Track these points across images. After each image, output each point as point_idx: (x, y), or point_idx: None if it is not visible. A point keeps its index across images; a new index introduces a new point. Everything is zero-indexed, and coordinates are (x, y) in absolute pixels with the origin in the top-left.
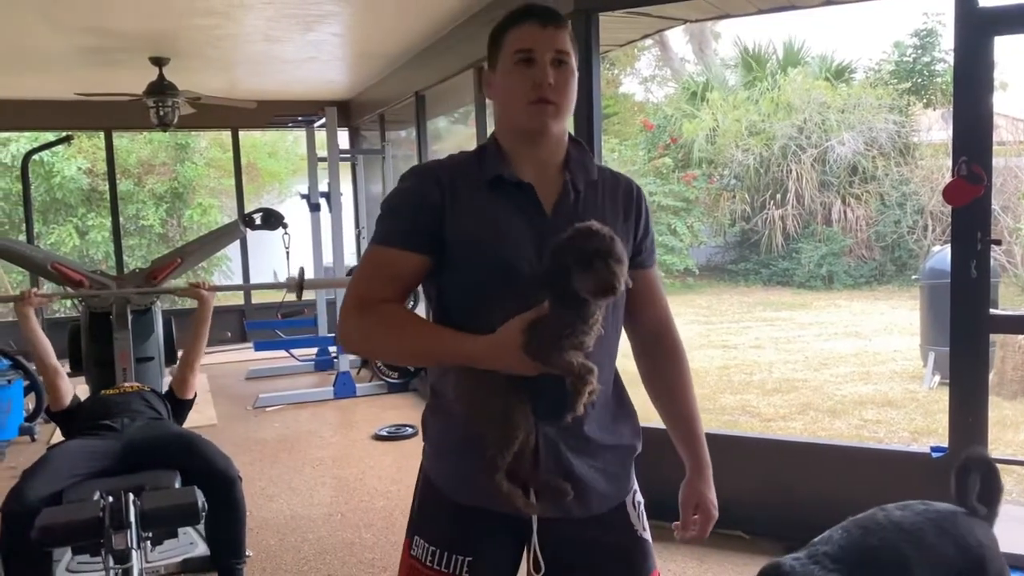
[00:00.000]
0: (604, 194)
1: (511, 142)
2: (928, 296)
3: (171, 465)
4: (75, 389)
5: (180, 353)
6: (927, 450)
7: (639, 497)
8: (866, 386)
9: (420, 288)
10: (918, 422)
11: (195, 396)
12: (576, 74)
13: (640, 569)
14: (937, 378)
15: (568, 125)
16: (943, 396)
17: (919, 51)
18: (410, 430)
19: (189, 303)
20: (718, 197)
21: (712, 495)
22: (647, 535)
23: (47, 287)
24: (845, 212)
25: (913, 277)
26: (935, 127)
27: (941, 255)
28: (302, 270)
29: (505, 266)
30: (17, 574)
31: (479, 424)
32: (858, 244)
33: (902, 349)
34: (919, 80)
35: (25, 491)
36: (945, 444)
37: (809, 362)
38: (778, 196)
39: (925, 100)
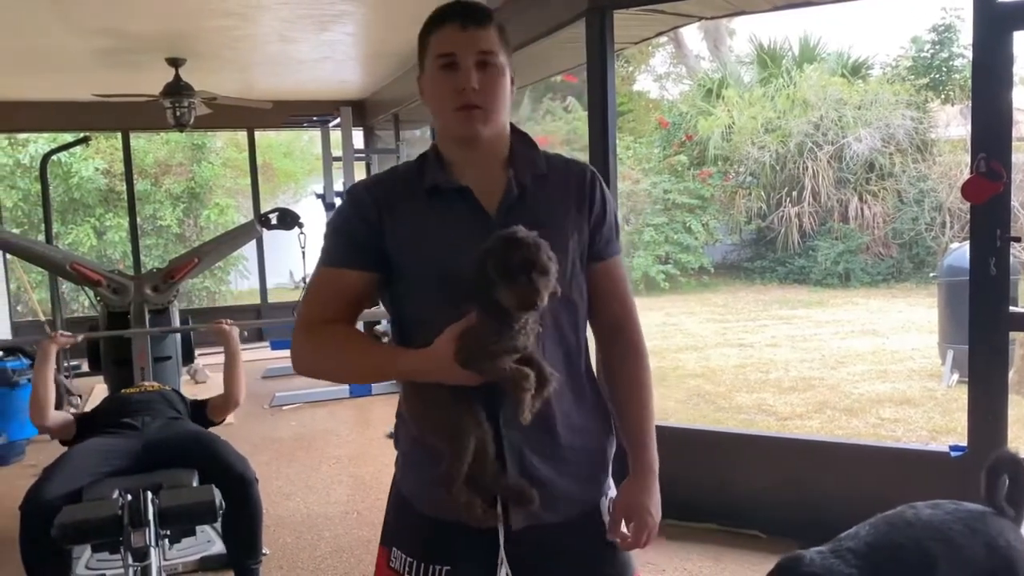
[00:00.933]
0: (554, 186)
1: (449, 147)
2: (946, 294)
3: (189, 465)
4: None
5: (217, 397)
6: (946, 449)
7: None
8: (883, 384)
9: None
10: (936, 421)
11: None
12: (507, 71)
13: (617, 575)
14: (956, 376)
15: (506, 120)
16: (962, 395)
17: (937, 47)
18: None
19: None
20: (734, 194)
21: (649, 503)
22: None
23: (72, 335)
24: (862, 209)
25: (931, 275)
26: (953, 123)
27: (959, 252)
28: None
29: (446, 275)
30: (37, 571)
31: (430, 437)
32: (875, 241)
33: (920, 347)
34: (937, 76)
35: (44, 489)
36: (964, 443)
37: (826, 360)
38: (794, 193)
39: (943, 96)
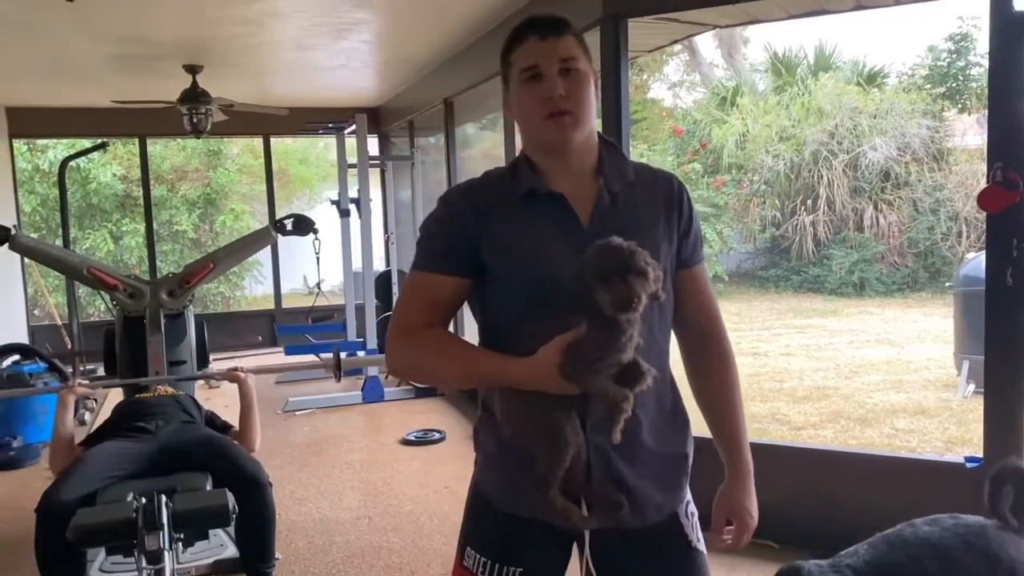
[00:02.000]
0: (643, 194)
1: (540, 155)
2: (962, 304)
3: (202, 468)
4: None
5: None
6: (961, 460)
7: (692, 507)
8: (898, 394)
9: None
10: (952, 431)
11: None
12: (590, 76)
13: None
14: (971, 387)
15: (593, 127)
16: (977, 405)
17: (954, 55)
18: (437, 435)
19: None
20: (748, 203)
21: (749, 504)
22: (702, 546)
23: (87, 381)
24: (877, 218)
25: (947, 284)
26: (970, 132)
27: (975, 262)
28: (337, 349)
29: (544, 281)
30: (52, 573)
31: (528, 444)
32: (890, 251)
33: (935, 357)
34: (954, 84)
35: (59, 491)
36: (980, 454)
37: (840, 370)
38: (809, 202)
39: (960, 105)
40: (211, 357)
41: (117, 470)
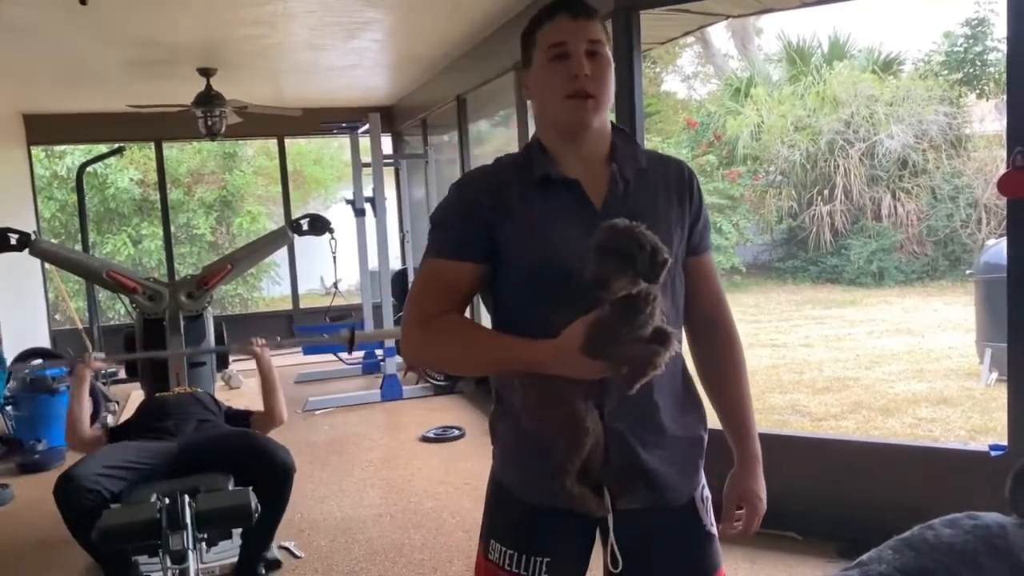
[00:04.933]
0: (655, 181)
1: (553, 140)
2: (984, 291)
3: (229, 463)
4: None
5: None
6: (985, 448)
7: (707, 492)
8: (920, 384)
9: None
10: (975, 420)
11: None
12: (612, 64)
13: (710, 565)
14: (995, 375)
15: (608, 115)
16: (1001, 393)
17: (970, 40)
18: (456, 432)
19: (239, 308)
20: (764, 194)
21: (758, 488)
22: (715, 530)
23: (103, 354)
24: (895, 207)
25: (967, 272)
26: (988, 118)
27: (996, 249)
28: (352, 328)
29: (559, 266)
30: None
31: (547, 433)
32: (909, 239)
33: (957, 346)
34: (971, 70)
35: (74, 466)
36: (1004, 442)
37: (860, 360)
38: (825, 192)
39: (978, 90)
40: (230, 358)
41: (136, 460)
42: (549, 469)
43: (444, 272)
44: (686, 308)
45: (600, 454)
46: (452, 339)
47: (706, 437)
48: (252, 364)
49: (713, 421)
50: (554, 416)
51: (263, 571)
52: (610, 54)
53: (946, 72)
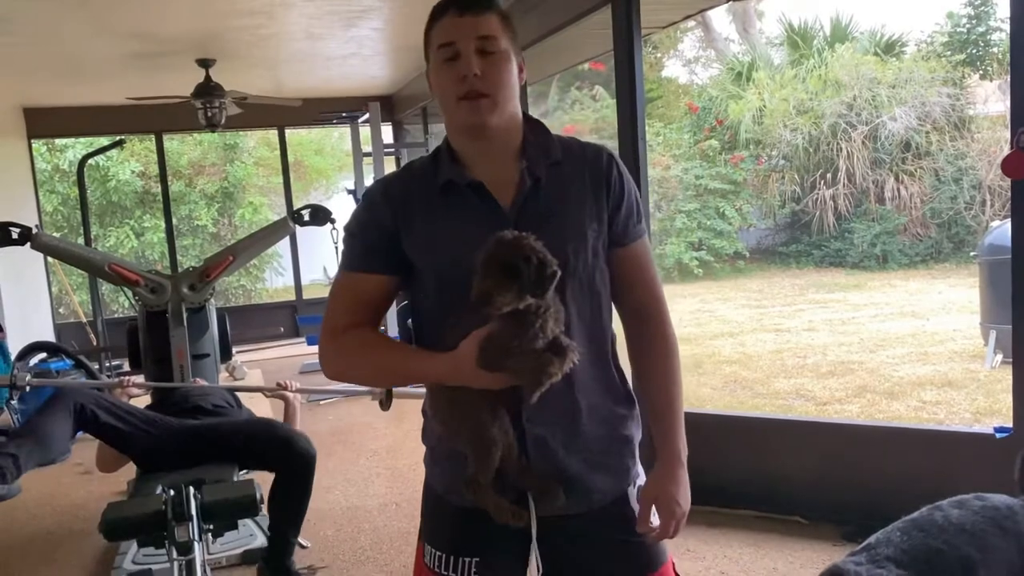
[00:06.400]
0: (570, 174)
1: (459, 141)
2: (988, 273)
3: (250, 449)
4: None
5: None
6: (990, 431)
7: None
8: (924, 367)
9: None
10: (980, 402)
11: None
12: (511, 57)
13: (646, 563)
14: (999, 357)
15: (516, 109)
16: (1005, 375)
17: (974, 21)
18: None
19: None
20: (767, 178)
21: (675, 492)
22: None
23: (140, 378)
24: (898, 189)
25: (971, 254)
26: (992, 99)
27: (1001, 231)
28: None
29: (460, 272)
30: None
31: (456, 442)
32: (913, 222)
33: (961, 328)
34: (974, 51)
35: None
36: (1009, 424)
37: (864, 344)
38: (828, 175)
39: (981, 71)
40: (234, 350)
41: (149, 422)
42: (462, 481)
43: (352, 285)
44: (617, 300)
45: (516, 461)
46: (360, 354)
47: (639, 434)
48: (255, 355)
49: (706, 407)
50: (461, 427)
51: (293, 564)
52: (510, 46)
53: (949, 53)
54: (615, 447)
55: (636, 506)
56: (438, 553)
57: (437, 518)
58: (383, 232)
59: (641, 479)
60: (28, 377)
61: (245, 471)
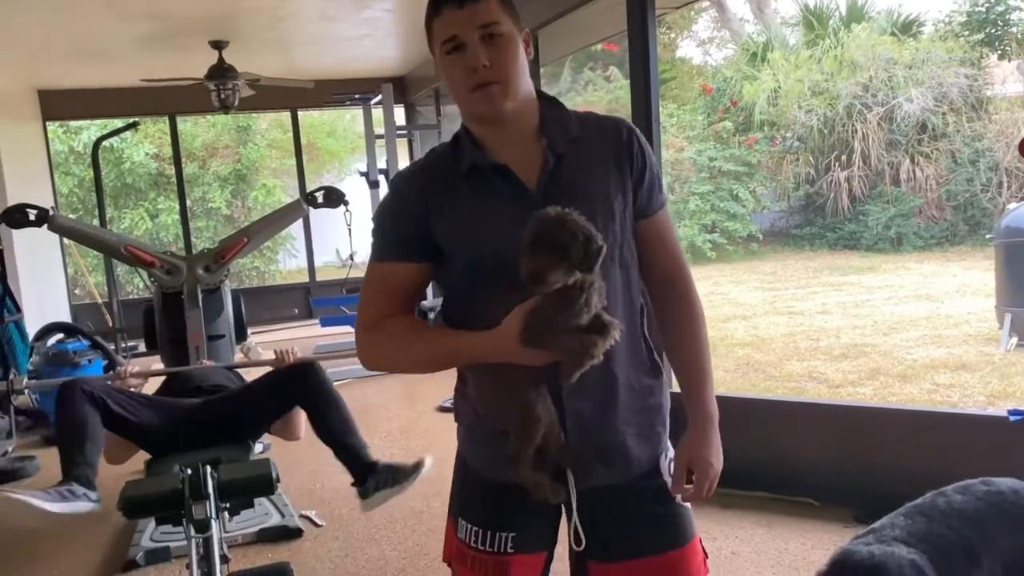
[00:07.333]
0: (590, 148)
1: (477, 127)
2: (1004, 255)
3: (259, 405)
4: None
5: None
6: (1004, 414)
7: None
8: (938, 350)
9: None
10: (994, 385)
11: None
12: (516, 38)
13: (680, 536)
14: (1014, 340)
15: (529, 88)
16: (1021, 358)
17: (992, 0)
18: None
19: (257, 281)
20: (781, 160)
21: (708, 453)
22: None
23: (137, 367)
24: (914, 171)
25: (987, 236)
26: (1010, 79)
27: (1017, 213)
28: None
29: (496, 255)
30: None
31: (500, 422)
32: (928, 204)
33: (976, 311)
34: (993, 31)
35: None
36: (1023, 407)
37: (878, 326)
38: (843, 157)
39: (999, 51)
40: (249, 331)
41: (150, 400)
42: (504, 457)
43: (384, 275)
44: (642, 270)
45: (557, 437)
46: (398, 341)
47: (668, 403)
48: (271, 336)
49: (721, 389)
50: (505, 405)
51: (378, 463)
52: (513, 27)
53: (967, 33)
54: (647, 417)
55: (667, 478)
56: (473, 528)
57: (472, 492)
58: (413, 221)
59: (670, 450)
60: (25, 381)
61: (262, 448)
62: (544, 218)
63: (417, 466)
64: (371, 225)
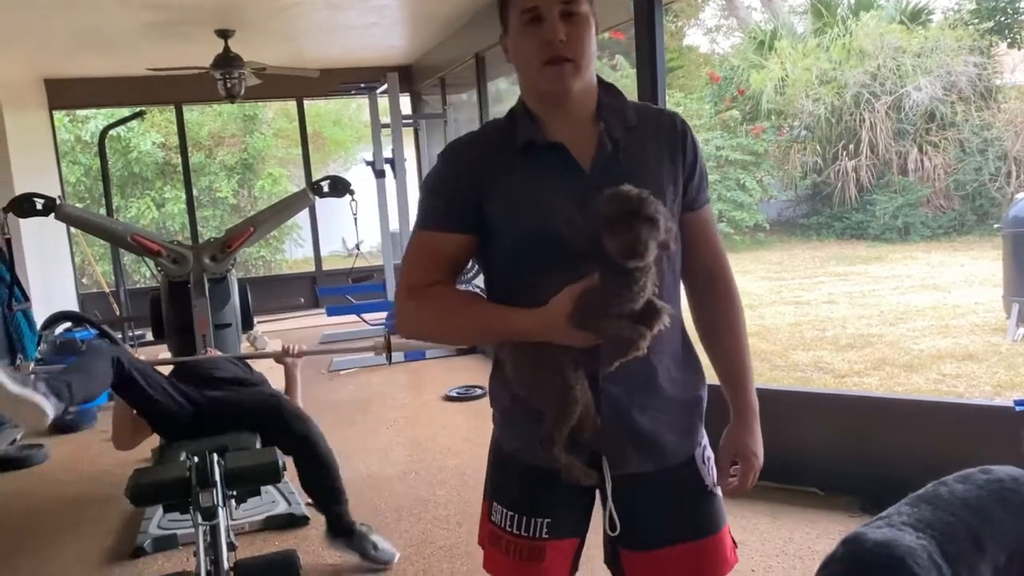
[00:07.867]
0: (645, 137)
1: (537, 104)
2: (1012, 245)
3: (252, 429)
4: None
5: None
6: (1011, 404)
7: (709, 452)
8: (945, 340)
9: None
10: (1001, 376)
11: None
12: (591, 20)
13: (711, 525)
14: (1022, 330)
15: (593, 72)
16: None
17: None
18: (479, 391)
19: (263, 271)
20: (788, 149)
21: (753, 444)
22: (718, 490)
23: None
24: (922, 161)
25: (995, 226)
26: (1020, 68)
27: None
28: (388, 333)
29: (545, 232)
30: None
31: (537, 401)
32: (936, 194)
33: (983, 301)
34: (1003, 19)
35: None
36: None
37: (884, 317)
38: (851, 146)
39: (1009, 40)
40: (255, 320)
41: (175, 391)
42: (537, 438)
43: (431, 243)
44: (685, 264)
45: (592, 421)
46: (440, 310)
47: (705, 396)
48: (278, 325)
49: (713, 378)
50: (544, 385)
51: (351, 523)
52: (589, 10)
53: (977, 21)
54: (685, 408)
55: (701, 468)
56: (509, 513)
57: (508, 478)
58: (463, 191)
59: (706, 441)
60: (32, 366)
61: None
62: (627, 194)
63: (387, 560)
64: (420, 190)
